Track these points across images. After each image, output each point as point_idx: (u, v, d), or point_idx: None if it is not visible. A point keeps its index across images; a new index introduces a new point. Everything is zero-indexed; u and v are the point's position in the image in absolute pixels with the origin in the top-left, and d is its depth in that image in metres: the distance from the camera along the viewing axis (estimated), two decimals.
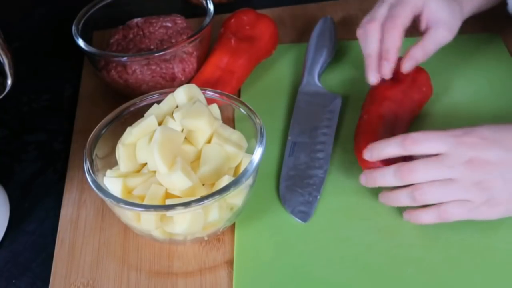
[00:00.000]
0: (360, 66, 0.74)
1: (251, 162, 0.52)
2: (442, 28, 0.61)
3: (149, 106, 0.59)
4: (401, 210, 0.57)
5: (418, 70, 0.64)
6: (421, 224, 0.54)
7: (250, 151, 0.55)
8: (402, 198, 0.54)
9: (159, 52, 0.67)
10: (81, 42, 0.69)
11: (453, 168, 0.51)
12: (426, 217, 0.54)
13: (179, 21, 0.75)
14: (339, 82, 0.72)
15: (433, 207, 0.53)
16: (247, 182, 0.52)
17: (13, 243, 0.60)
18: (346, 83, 0.72)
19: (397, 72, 0.63)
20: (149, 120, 0.55)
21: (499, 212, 0.52)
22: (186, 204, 0.49)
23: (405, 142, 0.53)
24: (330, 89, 0.70)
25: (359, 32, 0.64)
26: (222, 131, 0.56)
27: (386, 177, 0.54)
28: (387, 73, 0.62)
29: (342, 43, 0.77)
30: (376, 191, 0.59)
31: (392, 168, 0.53)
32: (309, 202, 0.58)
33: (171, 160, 0.51)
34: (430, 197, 0.52)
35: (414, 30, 0.63)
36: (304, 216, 0.57)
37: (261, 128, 0.55)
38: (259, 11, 0.76)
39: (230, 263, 0.55)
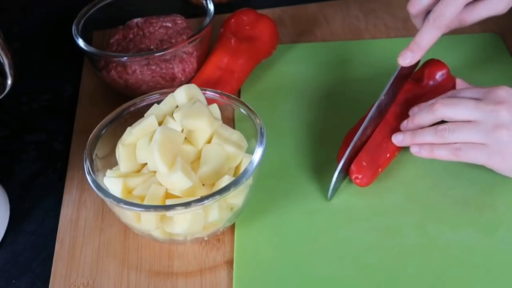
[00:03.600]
0: (361, 65, 0.74)
1: (251, 162, 0.52)
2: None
3: (149, 106, 0.59)
4: (401, 210, 0.57)
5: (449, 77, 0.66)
6: (432, 157, 0.58)
7: (250, 151, 0.55)
8: (427, 134, 0.57)
9: (159, 52, 0.67)
10: (81, 42, 0.69)
11: (481, 109, 0.55)
12: (441, 152, 0.57)
13: (179, 21, 0.75)
14: (340, 82, 0.72)
15: (449, 145, 0.56)
16: (247, 182, 0.52)
17: (13, 243, 0.60)
18: (348, 83, 0.72)
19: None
20: (149, 120, 0.55)
21: (508, 166, 0.55)
22: (186, 204, 0.49)
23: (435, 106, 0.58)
24: (332, 89, 0.70)
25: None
26: (222, 131, 0.56)
27: (426, 136, 0.58)
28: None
29: (343, 43, 0.77)
30: (376, 191, 0.59)
31: (428, 131, 0.58)
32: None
33: (171, 160, 0.51)
34: (451, 134, 0.56)
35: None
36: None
37: (261, 128, 0.56)
38: (259, 11, 0.76)
39: (230, 263, 0.55)
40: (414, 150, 0.59)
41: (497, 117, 0.55)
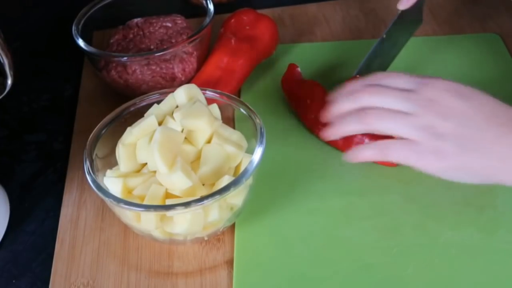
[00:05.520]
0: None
1: (251, 162, 0.52)
2: None
3: (149, 106, 0.59)
4: (401, 209, 0.57)
5: None
6: (360, 161, 0.53)
7: (250, 151, 0.55)
8: (351, 122, 0.52)
9: (159, 52, 0.67)
10: (81, 42, 0.69)
11: (412, 102, 0.50)
12: (367, 153, 0.52)
13: (179, 21, 0.75)
14: (340, 82, 0.72)
15: (376, 142, 0.52)
16: (247, 182, 0.52)
17: (13, 243, 0.60)
18: None
19: None
20: (149, 120, 0.55)
21: (443, 167, 0.50)
22: (186, 204, 0.49)
23: (369, 79, 0.53)
24: (332, 89, 0.70)
25: None
26: (222, 131, 0.56)
27: (351, 124, 0.53)
28: None
29: (343, 44, 0.77)
30: (376, 191, 0.59)
31: (353, 116, 0.53)
32: None
33: (171, 160, 0.51)
34: (379, 121, 0.51)
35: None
36: None
37: (261, 128, 0.56)
38: (259, 11, 0.75)
39: (230, 263, 0.55)
40: (345, 157, 0.54)
41: (430, 114, 0.50)
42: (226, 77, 0.69)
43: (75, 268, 0.56)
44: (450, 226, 0.55)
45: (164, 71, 0.69)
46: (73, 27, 0.71)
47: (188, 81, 0.71)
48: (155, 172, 0.53)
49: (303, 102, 0.66)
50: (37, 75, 0.79)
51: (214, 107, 0.58)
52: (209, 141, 0.55)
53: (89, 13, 0.74)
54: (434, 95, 0.50)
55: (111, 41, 0.74)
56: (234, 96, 0.60)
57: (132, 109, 0.60)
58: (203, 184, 0.53)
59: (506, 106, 0.51)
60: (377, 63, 0.67)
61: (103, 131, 0.58)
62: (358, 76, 0.63)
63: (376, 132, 0.52)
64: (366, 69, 0.65)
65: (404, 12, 0.66)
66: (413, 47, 0.74)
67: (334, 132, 0.55)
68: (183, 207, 0.49)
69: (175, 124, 0.55)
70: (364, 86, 0.53)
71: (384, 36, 0.65)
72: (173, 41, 0.72)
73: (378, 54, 0.66)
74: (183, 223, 0.51)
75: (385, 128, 0.51)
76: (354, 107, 0.53)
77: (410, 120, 0.50)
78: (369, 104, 0.52)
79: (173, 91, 0.59)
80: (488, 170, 0.50)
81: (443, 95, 0.50)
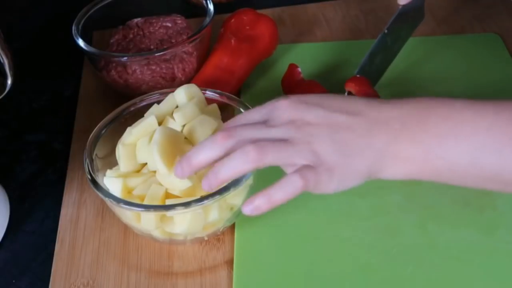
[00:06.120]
0: None
1: None
2: None
3: (149, 106, 0.59)
4: (401, 209, 0.57)
5: None
6: (260, 213, 0.46)
7: None
8: (236, 160, 0.45)
9: (159, 52, 0.67)
10: (81, 42, 0.69)
11: (274, 129, 0.45)
12: (258, 201, 0.45)
13: (179, 21, 0.75)
14: (340, 82, 0.72)
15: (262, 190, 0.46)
16: (247, 182, 0.52)
17: (13, 243, 0.60)
18: None
19: None
20: (149, 120, 0.55)
21: (335, 182, 0.46)
22: (186, 204, 0.49)
23: (223, 138, 0.46)
24: (332, 89, 0.70)
25: None
26: None
27: (205, 151, 0.46)
28: None
29: (343, 44, 0.77)
30: (376, 191, 0.59)
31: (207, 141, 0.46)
32: None
33: (171, 160, 0.51)
34: (271, 154, 0.45)
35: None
36: None
37: None
38: (259, 11, 0.75)
39: (230, 263, 0.55)
40: (244, 210, 0.46)
41: (301, 137, 0.45)
42: (226, 77, 0.69)
43: (75, 268, 0.56)
44: (450, 226, 0.55)
45: (164, 71, 0.69)
46: (73, 27, 0.71)
47: (188, 81, 0.71)
48: (155, 172, 0.53)
49: None
50: (37, 75, 0.79)
51: (214, 107, 0.58)
52: None
53: (89, 13, 0.74)
54: (290, 115, 0.46)
55: (111, 41, 0.74)
56: (234, 96, 0.60)
57: (132, 109, 0.60)
58: None
59: (367, 102, 0.47)
60: (379, 59, 0.67)
61: (103, 131, 0.58)
62: (358, 76, 0.64)
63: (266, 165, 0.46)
64: (369, 66, 0.65)
65: (405, 7, 0.66)
66: (413, 47, 0.74)
67: (215, 179, 0.46)
68: (183, 207, 0.49)
69: (175, 124, 0.55)
70: (220, 132, 0.47)
71: (386, 31, 0.65)
72: (173, 41, 0.72)
73: (380, 50, 0.66)
74: (183, 223, 0.51)
75: (277, 158, 0.46)
76: (218, 155, 0.46)
77: (291, 147, 0.45)
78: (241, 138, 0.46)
79: (173, 91, 0.59)
80: (366, 169, 0.47)
81: (299, 113, 0.46)
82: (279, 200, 0.45)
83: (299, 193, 0.45)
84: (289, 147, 0.45)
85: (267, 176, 0.61)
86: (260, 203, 0.45)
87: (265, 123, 0.47)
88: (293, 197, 0.45)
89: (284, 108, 0.47)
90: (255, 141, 0.45)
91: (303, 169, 0.45)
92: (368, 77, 0.65)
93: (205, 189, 0.47)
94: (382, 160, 0.46)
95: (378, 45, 0.66)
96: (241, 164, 0.45)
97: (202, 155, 0.46)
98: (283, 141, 0.45)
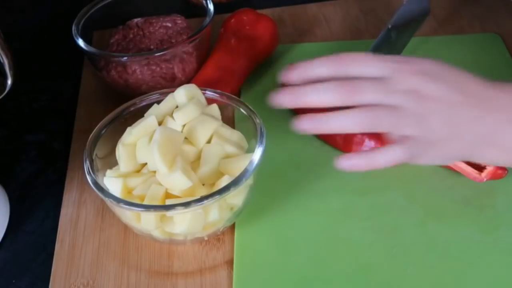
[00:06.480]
0: None
1: (251, 162, 0.52)
2: None
3: (149, 106, 0.59)
4: (401, 209, 0.57)
5: None
6: (356, 171, 0.49)
7: (250, 151, 0.55)
8: (326, 91, 0.47)
9: (159, 52, 0.67)
10: (81, 42, 0.69)
11: (395, 94, 0.46)
12: (358, 160, 0.48)
13: (179, 21, 0.75)
14: None
15: (364, 151, 0.50)
16: (247, 182, 0.52)
17: (13, 243, 0.60)
18: None
19: None
20: (149, 120, 0.55)
21: (431, 157, 0.48)
22: (186, 204, 0.49)
23: (341, 61, 0.47)
24: None
25: None
26: (222, 131, 0.56)
27: (327, 93, 0.47)
28: None
29: (342, 44, 0.77)
30: (376, 190, 0.59)
31: (332, 84, 0.47)
32: None
33: (171, 160, 0.51)
34: (383, 125, 0.47)
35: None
36: None
37: (261, 128, 0.56)
38: (259, 11, 0.76)
39: (230, 263, 0.55)
40: (338, 164, 0.49)
41: (412, 109, 0.46)
42: (226, 77, 0.69)
43: (75, 268, 0.56)
44: (450, 225, 0.55)
45: (164, 71, 0.69)
46: (73, 27, 0.71)
47: (188, 81, 0.71)
48: (155, 172, 0.53)
49: None
50: (37, 75, 0.79)
51: (214, 107, 0.58)
52: (209, 141, 0.55)
53: (89, 13, 0.74)
54: (413, 84, 0.47)
55: (111, 41, 0.74)
56: (234, 96, 0.60)
57: (132, 109, 0.60)
58: (203, 184, 0.53)
59: (483, 84, 0.48)
60: (383, 53, 0.66)
61: (103, 131, 0.58)
62: None
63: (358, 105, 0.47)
64: None
65: (410, 1, 0.66)
66: (413, 47, 0.74)
67: (295, 99, 0.49)
68: (183, 207, 0.49)
69: (175, 124, 0.55)
70: (334, 81, 0.48)
71: (390, 26, 0.64)
72: (173, 41, 0.72)
73: (384, 45, 0.65)
74: (183, 223, 0.51)
75: (388, 126, 0.47)
76: (342, 102, 0.48)
77: (396, 115, 0.47)
78: (359, 101, 0.47)
79: (173, 91, 0.59)
80: (462, 151, 0.48)
81: (422, 83, 0.47)
82: (379, 164, 0.48)
83: (398, 164, 0.48)
84: (403, 118, 0.46)
85: (267, 176, 0.61)
86: (360, 162, 0.48)
87: (384, 81, 0.47)
88: (391, 166, 0.48)
89: (407, 74, 0.47)
90: (372, 106, 0.46)
91: (407, 142, 0.47)
92: None
93: (304, 127, 0.48)
94: (481, 146, 0.47)
95: (382, 39, 0.65)
96: (353, 124, 0.47)
97: (320, 97, 0.47)
98: (395, 109, 0.46)
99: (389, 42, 0.66)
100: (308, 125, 0.48)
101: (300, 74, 0.49)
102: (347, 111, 0.47)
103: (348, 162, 0.48)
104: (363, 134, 0.60)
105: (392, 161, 0.48)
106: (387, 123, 0.47)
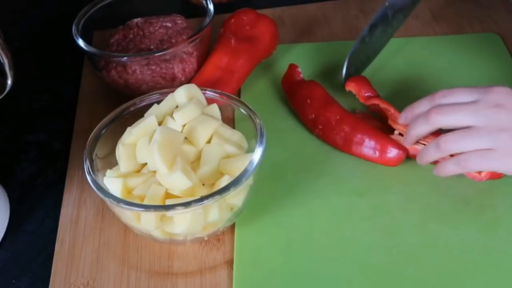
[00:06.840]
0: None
1: (251, 162, 0.52)
2: None
3: (149, 106, 0.59)
4: (401, 209, 0.57)
5: None
6: (446, 175, 0.56)
7: (250, 151, 0.55)
8: (430, 150, 0.56)
9: (159, 52, 0.67)
10: (81, 42, 0.69)
11: (479, 113, 0.53)
12: (448, 168, 0.55)
13: (179, 21, 0.75)
14: (340, 82, 0.72)
15: (454, 156, 0.55)
16: (247, 182, 0.52)
17: (13, 243, 0.60)
18: None
19: None
20: (149, 120, 0.55)
21: (500, 165, 0.53)
22: (186, 204, 0.49)
23: (434, 97, 0.56)
24: (332, 89, 0.70)
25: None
26: (222, 131, 0.56)
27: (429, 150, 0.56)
28: None
29: (343, 44, 0.77)
30: (376, 191, 0.59)
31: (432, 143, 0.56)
32: None
33: (171, 160, 0.51)
34: (453, 145, 0.54)
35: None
36: None
37: (261, 128, 0.56)
38: (259, 11, 0.76)
39: (230, 263, 0.55)
40: (434, 172, 0.58)
41: (500, 120, 0.53)
42: (226, 77, 0.69)
43: (75, 268, 0.56)
44: (450, 226, 0.55)
45: (164, 71, 0.69)
46: (73, 27, 0.71)
47: (188, 81, 0.71)
48: (155, 172, 0.53)
49: (303, 102, 0.66)
50: (37, 75, 0.79)
51: (214, 107, 0.58)
52: (209, 141, 0.55)
53: (89, 13, 0.74)
54: (498, 98, 0.53)
55: (111, 41, 0.74)
56: (234, 96, 0.60)
57: (132, 109, 0.60)
58: (203, 184, 0.53)
59: None
60: (379, 31, 0.69)
61: (103, 131, 0.58)
62: (358, 76, 0.64)
63: (451, 151, 0.55)
64: (369, 37, 0.68)
65: None
66: (413, 47, 0.74)
67: (420, 160, 0.58)
68: (183, 207, 0.49)
69: (175, 124, 0.55)
70: (432, 107, 0.56)
71: (387, 4, 0.67)
72: (173, 41, 0.72)
73: (380, 23, 0.68)
74: (183, 223, 0.51)
75: (462, 148, 0.54)
76: (427, 128, 0.56)
77: (481, 133, 0.53)
78: (440, 123, 0.55)
79: (173, 91, 0.59)
80: None
81: (507, 99, 0.53)
82: (469, 170, 0.55)
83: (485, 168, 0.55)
84: (486, 135, 0.53)
85: (267, 176, 0.61)
86: (453, 169, 0.55)
87: (474, 103, 0.54)
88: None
89: (498, 92, 0.54)
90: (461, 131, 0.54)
91: (489, 155, 0.53)
92: (367, 49, 0.68)
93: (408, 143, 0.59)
94: None
95: (379, 17, 0.68)
96: (453, 145, 0.54)
97: (417, 130, 0.57)
98: (475, 128, 0.53)
99: (385, 20, 0.68)
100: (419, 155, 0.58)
101: (410, 137, 0.59)
102: (447, 134, 0.55)
103: (443, 171, 0.56)
104: (363, 134, 0.60)
105: (479, 169, 0.55)
106: (471, 144, 0.54)
